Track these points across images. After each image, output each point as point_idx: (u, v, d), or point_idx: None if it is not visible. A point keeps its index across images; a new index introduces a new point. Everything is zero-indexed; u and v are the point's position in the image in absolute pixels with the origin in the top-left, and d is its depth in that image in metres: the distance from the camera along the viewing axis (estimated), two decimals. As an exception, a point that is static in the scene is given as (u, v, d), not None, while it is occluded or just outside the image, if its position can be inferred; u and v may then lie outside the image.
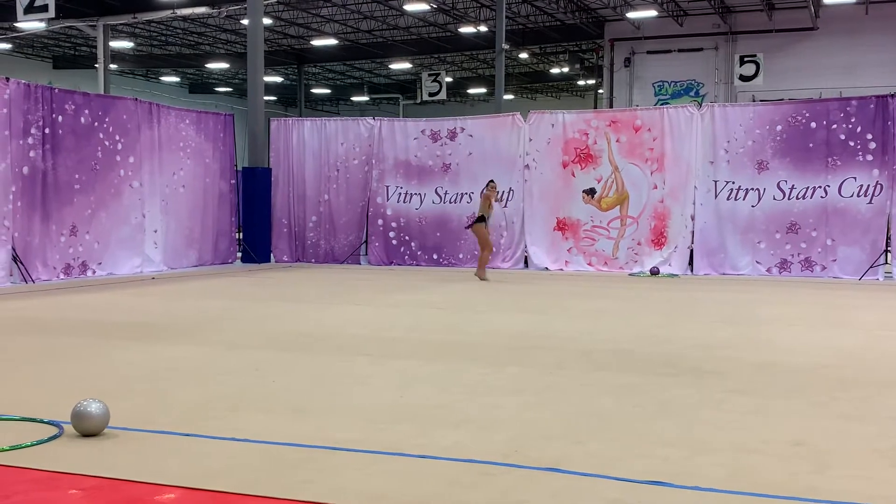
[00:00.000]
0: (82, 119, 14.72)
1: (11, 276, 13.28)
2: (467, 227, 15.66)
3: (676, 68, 28.96)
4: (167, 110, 16.96)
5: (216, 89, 45.27)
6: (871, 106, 15.40)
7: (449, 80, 35.41)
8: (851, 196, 15.43)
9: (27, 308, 10.48)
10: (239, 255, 18.80)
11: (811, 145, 15.69)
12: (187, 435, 4.58)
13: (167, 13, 23.73)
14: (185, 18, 28.21)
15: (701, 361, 6.89)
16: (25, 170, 13.65)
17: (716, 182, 16.24)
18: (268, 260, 18.64)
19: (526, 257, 17.54)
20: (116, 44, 31.01)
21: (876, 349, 7.63)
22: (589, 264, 17.01)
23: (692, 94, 28.66)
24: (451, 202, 17.91)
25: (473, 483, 3.84)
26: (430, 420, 4.97)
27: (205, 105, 35.19)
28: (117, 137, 15.43)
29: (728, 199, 16.18)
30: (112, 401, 4.89)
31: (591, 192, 17.08)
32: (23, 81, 13.84)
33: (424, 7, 27.42)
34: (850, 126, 15.44)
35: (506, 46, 26.25)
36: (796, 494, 3.70)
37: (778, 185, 15.87)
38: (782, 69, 26.59)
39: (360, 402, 5.42)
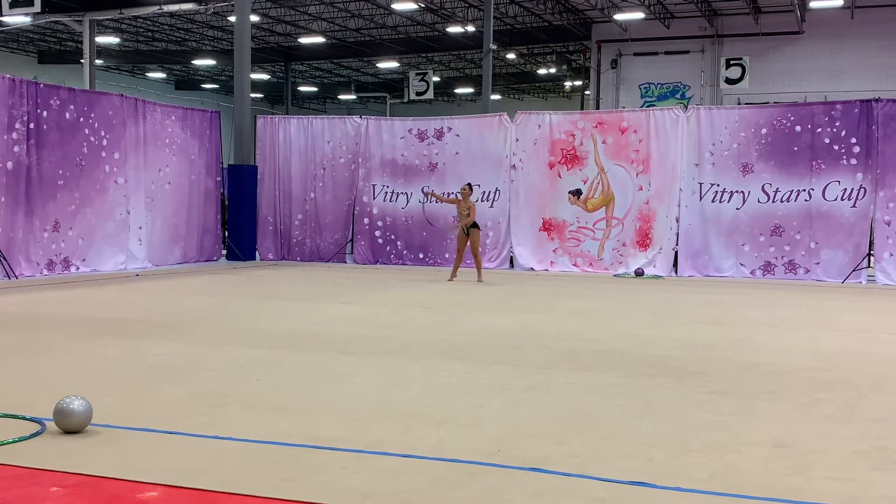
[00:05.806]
0: (67, 114, 14.64)
1: (-6, 271, 13.20)
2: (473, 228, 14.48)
3: (663, 70, 29.07)
4: (153, 106, 16.88)
5: (202, 86, 45.08)
6: (856, 110, 15.50)
7: (436, 79, 35.43)
8: (835, 199, 15.51)
9: (9, 304, 10.41)
10: (224, 252, 18.74)
11: (796, 149, 15.77)
12: (170, 432, 4.56)
13: (154, 9, 23.59)
14: (171, 14, 28.07)
15: (684, 362, 6.92)
16: (9, 165, 13.57)
17: (701, 184, 16.31)
18: (253, 258, 18.57)
19: (511, 257, 17.57)
20: (102, 39, 30.83)
21: (858, 352, 7.68)
22: (574, 265, 17.05)
23: (678, 96, 28.76)
24: (437, 202, 17.89)
25: (458, 482, 3.84)
26: (414, 418, 4.97)
27: (191, 102, 35.05)
28: (102, 133, 15.35)
29: (713, 201, 16.24)
30: (95, 398, 4.86)
31: (577, 193, 17.12)
32: (7, 76, 13.75)
33: (412, 6, 27.39)
34: (835, 130, 15.53)
35: (493, 46, 26.25)
36: (778, 495, 3.72)
37: (762, 187, 15.96)
38: (768, 72, 26.74)
39: (345, 401, 5.42)
